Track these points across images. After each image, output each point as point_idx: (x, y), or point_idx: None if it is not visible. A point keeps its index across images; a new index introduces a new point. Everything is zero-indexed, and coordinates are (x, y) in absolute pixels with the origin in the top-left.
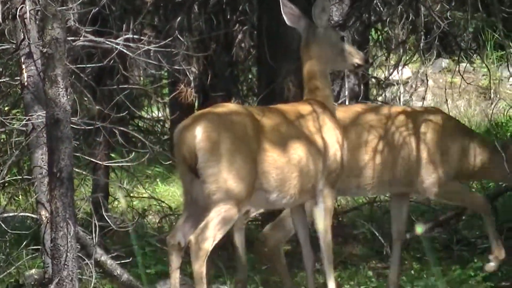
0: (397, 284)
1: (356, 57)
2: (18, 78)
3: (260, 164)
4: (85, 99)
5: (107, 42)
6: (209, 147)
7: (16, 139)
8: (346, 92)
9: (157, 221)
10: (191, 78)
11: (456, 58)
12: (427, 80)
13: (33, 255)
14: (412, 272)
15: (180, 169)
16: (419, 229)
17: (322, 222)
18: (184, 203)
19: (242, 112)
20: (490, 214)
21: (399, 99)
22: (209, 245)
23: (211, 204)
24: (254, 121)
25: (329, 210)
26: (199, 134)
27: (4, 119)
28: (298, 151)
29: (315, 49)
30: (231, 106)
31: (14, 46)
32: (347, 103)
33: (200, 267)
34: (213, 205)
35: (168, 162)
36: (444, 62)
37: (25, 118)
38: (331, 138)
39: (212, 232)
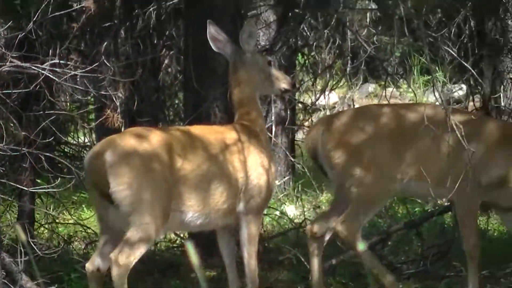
0: None
1: (283, 82)
2: None
3: (174, 184)
4: (11, 125)
5: (33, 68)
6: (120, 172)
7: None
8: (273, 117)
9: (82, 247)
10: (118, 103)
11: (383, 82)
12: (354, 105)
13: None
14: None
15: (92, 195)
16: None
17: (246, 247)
18: (100, 229)
19: (154, 134)
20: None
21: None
22: (129, 261)
23: (128, 225)
24: (167, 142)
25: (253, 235)
26: (109, 159)
27: None
28: (211, 172)
29: (243, 75)
30: (141, 130)
31: None
32: (273, 128)
33: (122, 285)
34: (131, 226)
35: None
36: (371, 87)
37: None
38: (254, 162)
39: (131, 250)
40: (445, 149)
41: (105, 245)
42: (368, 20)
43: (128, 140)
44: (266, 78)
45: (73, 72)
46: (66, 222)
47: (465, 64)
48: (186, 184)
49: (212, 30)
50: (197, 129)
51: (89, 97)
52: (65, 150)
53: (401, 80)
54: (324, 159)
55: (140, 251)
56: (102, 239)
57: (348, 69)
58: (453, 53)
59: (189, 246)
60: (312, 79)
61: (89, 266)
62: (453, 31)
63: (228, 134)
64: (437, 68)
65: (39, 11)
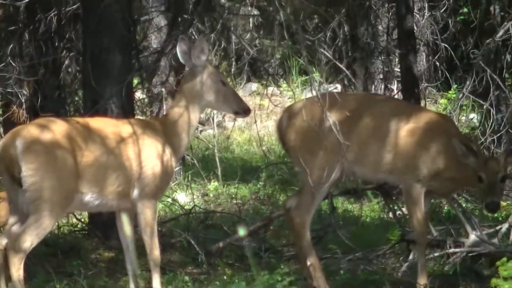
0: None
1: (236, 104)
2: None
3: (76, 166)
4: None
5: None
6: (30, 158)
7: None
8: (165, 112)
9: None
10: (23, 100)
11: (265, 82)
12: None
13: None
14: (225, 277)
15: (4, 180)
16: (242, 231)
17: (144, 230)
18: (10, 210)
19: (58, 123)
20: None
21: (213, 120)
22: (25, 248)
23: (31, 211)
24: (71, 129)
25: (148, 219)
26: (19, 146)
27: None
28: (107, 157)
29: (187, 84)
30: (48, 119)
31: None
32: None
33: (17, 270)
34: (32, 213)
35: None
36: (254, 86)
37: None
38: (148, 154)
39: (29, 237)
40: (382, 139)
41: (14, 225)
42: (251, 25)
43: (36, 129)
44: (215, 94)
45: None
46: None
47: (340, 65)
48: (85, 168)
49: (182, 45)
50: (96, 121)
51: None
52: None
53: (281, 80)
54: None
55: (38, 238)
56: (12, 220)
57: (233, 69)
58: (329, 55)
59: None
60: None
61: None
62: (328, 35)
63: (123, 127)
64: (314, 69)
65: None
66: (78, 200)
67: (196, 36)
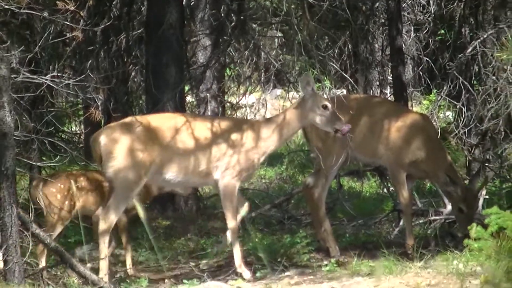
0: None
1: (337, 124)
2: None
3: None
4: (24, 118)
5: (39, 78)
6: (108, 150)
7: None
8: (209, 113)
9: None
10: (99, 104)
11: (287, 88)
12: (266, 104)
13: None
14: (256, 239)
15: (98, 164)
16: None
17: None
18: (108, 190)
19: (137, 121)
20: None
21: (246, 117)
22: (112, 219)
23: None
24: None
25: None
26: (102, 140)
27: None
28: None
29: (297, 107)
30: (130, 118)
31: None
32: None
33: (105, 238)
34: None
35: (82, 163)
36: (278, 91)
37: None
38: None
39: (112, 211)
40: (377, 133)
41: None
42: (276, 44)
43: (117, 126)
44: (319, 115)
45: (67, 81)
46: None
47: (345, 75)
48: (167, 156)
49: (308, 81)
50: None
51: (78, 99)
52: (62, 136)
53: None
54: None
55: (119, 211)
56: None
57: (262, 78)
58: (336, 67)
59: (137, 204)
60: (237, 86)
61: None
62: (336, 52)
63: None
64: (325, 78)
65: (42, 38)
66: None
67: (233, 53)
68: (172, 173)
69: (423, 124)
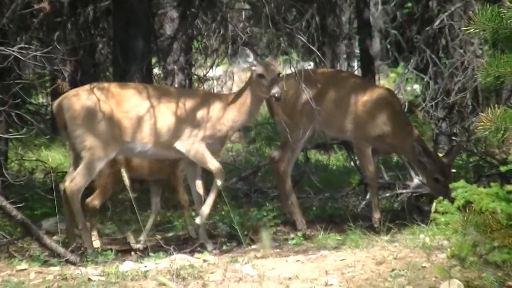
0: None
1: (273, 89)
2: None
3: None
4: None
5: (6, 50)
6: (72, 116)
7: None
8: (176, 85)
9: (42, 176)
10: (66, 75)
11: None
12: (234, 77)
13: None
14: (223, 213)
15: (62, 132)
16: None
17: None
18: (71, 157)
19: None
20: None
21: (214, 90)
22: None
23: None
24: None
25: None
26: (65, 106)
27: None
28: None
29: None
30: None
31: None
32: None
33: (77, 205)
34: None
35: (49, 135)
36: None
37: None
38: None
39: (80, 178)
40: (344, 108)
41: (73, 170)
42: (243, 16)
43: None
44: (259, 85)
45: (34, 53)
46: (30, 159)
47: (312, 48)
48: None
49: (246, 53)
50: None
51: (46, 71)
52: (29, 108)
53: (267, 58)
54: None
55: (87, 179)
56: (73, 165)
57: (229, 51)
58: (304, 40)
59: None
60: (204, 58)
61: (61, 185)
62: (303, 24)
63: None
64: (292, 51)
65: (9, 10)
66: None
67: (201, 26)
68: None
69: (388, 98)
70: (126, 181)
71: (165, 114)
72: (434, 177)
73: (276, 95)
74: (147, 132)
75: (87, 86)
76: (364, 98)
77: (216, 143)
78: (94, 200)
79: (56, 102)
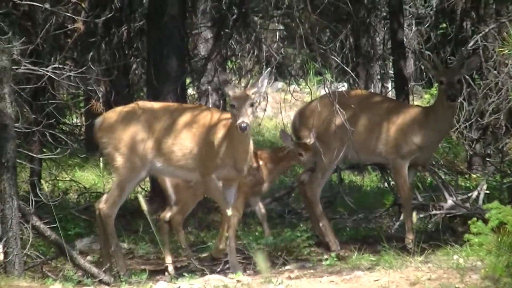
0: None
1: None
2: None
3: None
4: (25, 110)
5: (40, 70)
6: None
7: None
8: (210, 105)
9: (75, 197)
10: (100, 95)
11: (288, 81)
12: (268, 97)
13: None
14: (256, 233)
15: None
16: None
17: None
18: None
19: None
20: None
21: None
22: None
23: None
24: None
25: None
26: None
27: None
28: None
29: None
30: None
31: None
32: None
33: (111, 226)
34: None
35: (83, 155)
36: (280, 84)
37: None
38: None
39: (111, 199)
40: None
41: None
42: (277, 37)
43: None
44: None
45: (68, 73)
46: (64, 179)
47: (346, 68)
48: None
49: (224, 79)
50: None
51: (80, 91)
52: (63, 128)
53: (300, 79)
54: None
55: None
56: None
57: (263, 71)
58: (338, 60)
59: (140, 197)
60: (238, 79)
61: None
62: (337, 45)
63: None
64: (326, 71)
65: (44, 30)
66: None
67: (235, 46)
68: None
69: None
70: (143, 205)
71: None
72: (440, 80)
73: (242, 125)
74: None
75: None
76: (399, 120)
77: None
78: (177, 215)
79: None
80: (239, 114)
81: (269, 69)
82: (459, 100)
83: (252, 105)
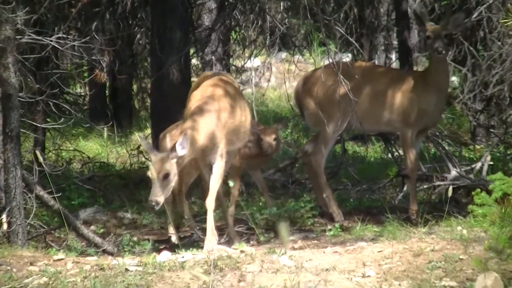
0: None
1: None
2: None
3: None
4: (28, 80)
5: (44, 39)
6: None
7: None
8: None
9: (79, 167)
10: (104, 65)
11: (292, 52)
12: (271, 68)
13: None
14: (260, 203)
15: None
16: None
17: None
18: None
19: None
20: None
21: (251, 81)
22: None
23: None
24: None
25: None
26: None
27: None
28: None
29: None
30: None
31: None
32: None
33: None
34: None
35: (87, 125)
36: (283, 54)
37: None
38: None
39: None
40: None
41: None
42: (281, 7)
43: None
44: None
45: (72, 43)
46: (67, 149)
47: (350, 39)
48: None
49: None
50: None
51: (83, 61)
52: (67, 98)
53: (305, 50)
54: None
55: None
56: None
57: (267, 42)
58: (342, 31)
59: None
60: (242, 49)
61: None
62: (342, 16)
63: None
64: (330, 42)
65: (47, 0)
66: None
67: (239, 17)
68: None
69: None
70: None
71: None
72: (427, 36)
73: (151, 203)
74: None
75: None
76: (403, 87)
77: None
78: (179, 186)
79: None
80: (151, 192)
81: (186, 136)
82: (447, 54)
83: (166, 176)
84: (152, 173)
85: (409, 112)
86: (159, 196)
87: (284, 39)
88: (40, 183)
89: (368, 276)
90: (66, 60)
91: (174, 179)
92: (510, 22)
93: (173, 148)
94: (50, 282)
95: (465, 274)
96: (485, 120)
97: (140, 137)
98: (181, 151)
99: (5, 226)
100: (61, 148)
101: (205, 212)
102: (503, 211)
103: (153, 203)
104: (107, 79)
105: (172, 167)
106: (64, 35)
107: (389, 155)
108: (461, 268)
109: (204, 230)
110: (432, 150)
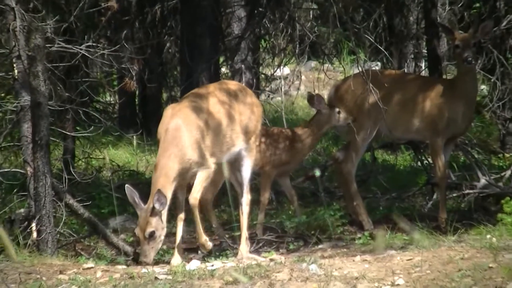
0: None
1: None
2: (11, 73)
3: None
4: (58, 88)
5: (74, 48)
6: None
7: (9, 116)
8: (244, 84)
9: (109, 175)
10: (133, 74)
11: (321, 60)
12: (301, 76)
13: (21, 199)
14: (290, 212)
15: None
16: (317, 172)
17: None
18: None
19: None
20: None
21: (281, 89)
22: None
23: None
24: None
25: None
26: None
27: (1, 102)
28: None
29: None
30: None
31: (8, 51)
32: None
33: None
34: None
35: (116, 133)
36: (313, 63)
37: (16, 102)
38: None
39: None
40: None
41: None
42: (311, 16)
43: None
44: None
45: (102, 51)
46: (97, 157)
47: (380, 47)
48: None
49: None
50: None
51: (113, 69)
52: (96, 106)
53: (334, 58)
54: None
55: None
56: None
57: (297, 50)
58: (371, 39)
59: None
60: (271, 58)
61: None
62: (371, 24)
63: None
64: (360, 50)
65: (77, 8)
66: None
67: (268, 25)
68: None
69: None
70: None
71: None
72: (455, 45)
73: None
74: None
75: None
76: (432, 94)
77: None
78: (206, 195)
79: None
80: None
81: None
82: (476, 64)
83: (152, 234)
84: (137, 232)
85: (437, 120)
86: (147, 258)
87: (314, 48)
88: (69, 191)
89: (398, 284)
90: (96, 69)
91: (162, 233)
92: None
93: (154, 205)
94: None
95: (495, 282)
96: None
97: (127, 188)
98: (160, 207)
99: (35, 234)
100: (90, 156)
101: (234, 221)
102: None
103: (143, 264)
104: (137, 87)
105: (157, 223)
106: (93, 44)
107: (419, 163)
108: (490, 277)
109: (233, 239)
110: (462, 159)
